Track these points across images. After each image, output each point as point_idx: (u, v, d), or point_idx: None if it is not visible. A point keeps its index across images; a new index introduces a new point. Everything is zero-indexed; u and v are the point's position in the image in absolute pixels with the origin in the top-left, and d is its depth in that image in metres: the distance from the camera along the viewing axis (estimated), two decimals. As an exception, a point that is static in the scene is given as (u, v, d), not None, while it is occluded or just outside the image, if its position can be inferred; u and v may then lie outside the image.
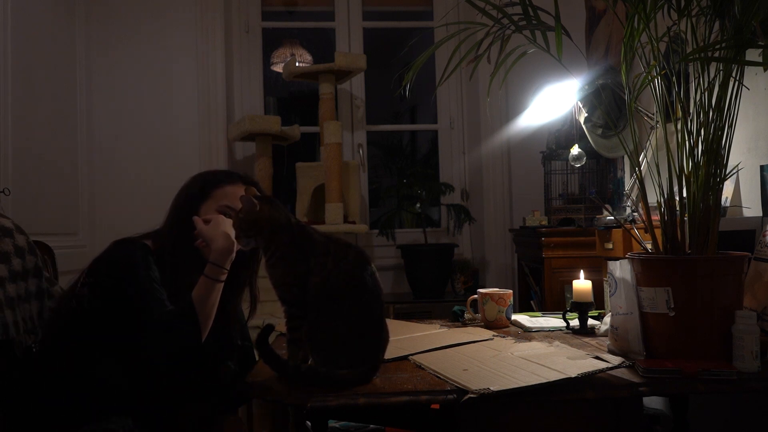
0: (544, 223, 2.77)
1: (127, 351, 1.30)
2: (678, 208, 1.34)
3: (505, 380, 1.13)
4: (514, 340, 1.54)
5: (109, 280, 1.32)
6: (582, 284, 1.66)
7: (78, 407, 1.29)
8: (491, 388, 1.08)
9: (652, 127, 2.35)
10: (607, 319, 1.53)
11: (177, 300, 1.33)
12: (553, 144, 2.98)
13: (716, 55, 1.32)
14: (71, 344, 1.32)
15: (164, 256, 1.38)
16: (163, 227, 1.45)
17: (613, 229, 2.34)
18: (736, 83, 1.31)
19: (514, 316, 1.83)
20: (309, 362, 1.24)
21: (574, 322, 1.68)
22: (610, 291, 1.42)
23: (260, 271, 1.48)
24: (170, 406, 1.37)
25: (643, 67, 1.43)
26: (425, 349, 1.43)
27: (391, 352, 1.35)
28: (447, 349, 1.44)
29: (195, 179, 1.49)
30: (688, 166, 1.33)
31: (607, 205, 2.61)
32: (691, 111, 1.35)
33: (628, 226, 1.93)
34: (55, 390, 1.31)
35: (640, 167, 1.45)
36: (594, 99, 2.62)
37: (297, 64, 3.35)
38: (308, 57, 3.95)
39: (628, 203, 2.46)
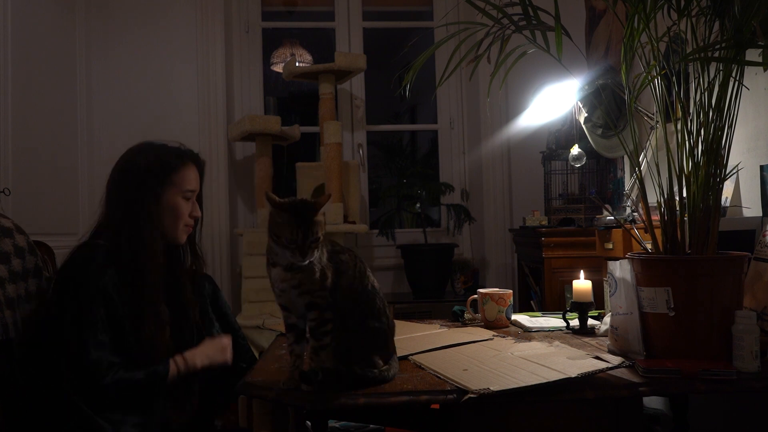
0: (544, 223, 2.77)
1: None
2: (678, 208, 1.34)
3: (504, 380, 1.13)
4: (514, 340, 1.54)
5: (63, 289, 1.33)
6: (582, 284, 1.66)
7: (74, 407, 1.29)
8: (491, 388, 1.07)
9: (652, 127, 2.35)
10: (607, 319, 1.53)
11: (145, 305, 1.35)
12: (553, 144, 2.99)
13: (716, 55, 1.32)
14: (50, 348, 1.32)
15: (123, 254, 1.36)
16: (114, 222, 1.40)
17: (613, 229, 2.34)
18: (736, 83, 1.31)
19: (514, 316, 1.83)
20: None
21: (574, 322, 1.68)
22: (610, 291, 1.42)
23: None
24: (170, 405, 1.38)
25: (643, 67, 1.43)
26: (425, 349, 1.43)
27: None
28: (447, 349, 1.44)
29: (146, 166, 1.43)
30: (688, 166, 1.33)
31: (607, 205, 2.61)
32: (691, 111, 1.35)
33: (628, 226, 1.93)
34: (49, 392, 1.31)
35: (640, 167, 1.45)
36: (594, 99, 2.62)
37: (297, 64, 3.34)
38: (308, 57, 3.95)
39: (628, 203, 2.46)
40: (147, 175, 1.42)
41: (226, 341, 1.50)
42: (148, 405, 1.34)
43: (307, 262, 1.11)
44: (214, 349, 1.46)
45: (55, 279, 1.40)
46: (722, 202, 1.73)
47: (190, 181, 1.47)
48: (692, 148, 1.32)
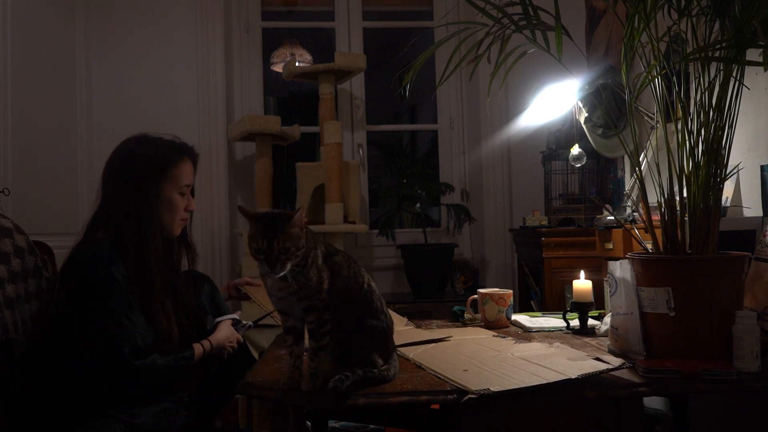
0: (544, 223, 2.77)
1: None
2: (678, 208, 1.34)
3: (505, 381, 1.13)
4: (514, 341, 1.54)
5: (78, 286, 1.35)
6: (582, 284, 1.65)
7: (74, 408, 1.29)
8: (491, 389, 1.07)
9: (652, 127, 2.35)
10: (607, 319, 1.53)
11: (155, 299, 1.37)
12: (553, 144, 2.99)
13: (716, 55, 1.32)
14: (58, 349, 1.33)
15: (129, 248, 1.38)
16: (115, 215, 1.41)
17: (613, 229, 2.34)
18: (736, 83, 1.31)
19: (514, 316, 1.82)
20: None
21: (574, 322, 1.67)
22: (610, 291, 1.42)
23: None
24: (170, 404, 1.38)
25: (643, 67, 1.43)
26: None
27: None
28: (447, 350, 1.44)
29: (145, 159, 1.44)
30: (688, 166, 1.33)
31: (607, 205, 2.61)
32: (691, 111, 1.35)
33: (628, 226, 1.93)
34: (49, 392, 1.31)
35: (640, 167, 1.45)
36: (594, 99, 2.62)
37: (297, 64, 3.34)
38: (308, 57, 3.95)
39: (628, 203, 2.46)
40: (146, 169, 1.43)
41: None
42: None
43: (278, 275, 1.09)
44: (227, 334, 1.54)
45: (60, 279, 1.40)
46: (722, 202, 1.73)
47: (186, 176, 1.49)
48: (692, 148, 1.32)
